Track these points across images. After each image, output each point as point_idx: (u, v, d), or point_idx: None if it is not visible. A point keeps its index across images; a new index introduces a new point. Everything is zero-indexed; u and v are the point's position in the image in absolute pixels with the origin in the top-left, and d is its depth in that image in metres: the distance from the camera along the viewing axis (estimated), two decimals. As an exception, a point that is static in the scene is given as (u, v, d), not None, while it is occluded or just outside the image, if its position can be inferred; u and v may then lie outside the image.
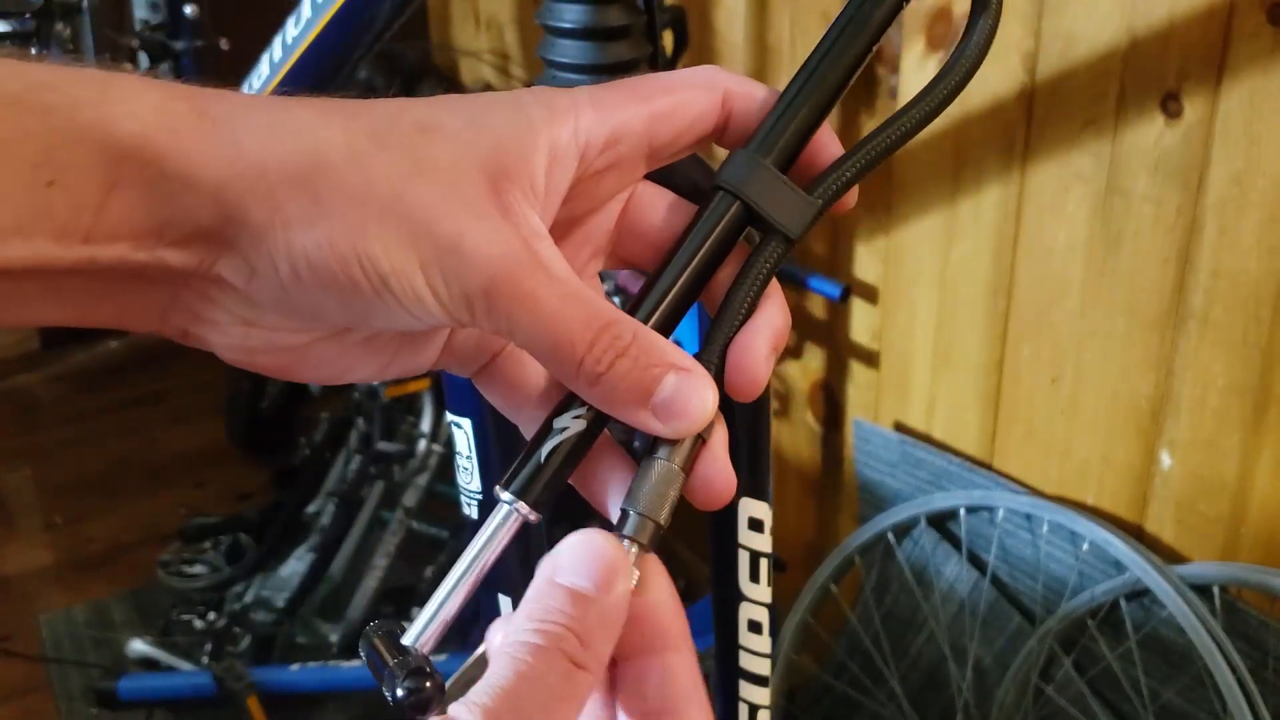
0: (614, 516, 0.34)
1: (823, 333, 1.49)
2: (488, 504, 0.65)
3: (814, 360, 1.52)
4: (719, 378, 0.35)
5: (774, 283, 0.36)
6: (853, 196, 0.37)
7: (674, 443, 0.33)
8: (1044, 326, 1.20)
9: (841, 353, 1.47)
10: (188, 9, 1.33)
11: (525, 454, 0.34)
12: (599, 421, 0.34)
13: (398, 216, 0.30)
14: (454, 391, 0.63)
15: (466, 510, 0.66)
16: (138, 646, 1.75)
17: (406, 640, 0.32)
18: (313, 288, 0.31)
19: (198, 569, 1.92)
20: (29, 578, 2.05)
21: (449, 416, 0.64)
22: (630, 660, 0.32)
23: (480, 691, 0.29)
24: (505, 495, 0.33)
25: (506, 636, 0.30)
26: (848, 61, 0.37)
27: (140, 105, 0.29)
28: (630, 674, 0.33)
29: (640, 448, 0.35)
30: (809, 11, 1.36)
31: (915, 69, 1.25)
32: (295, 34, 0.89)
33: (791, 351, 1.54)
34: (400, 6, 0.85)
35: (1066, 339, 1.18)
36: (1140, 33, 1.03)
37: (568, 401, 0.34)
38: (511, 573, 0.33)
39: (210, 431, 2.33)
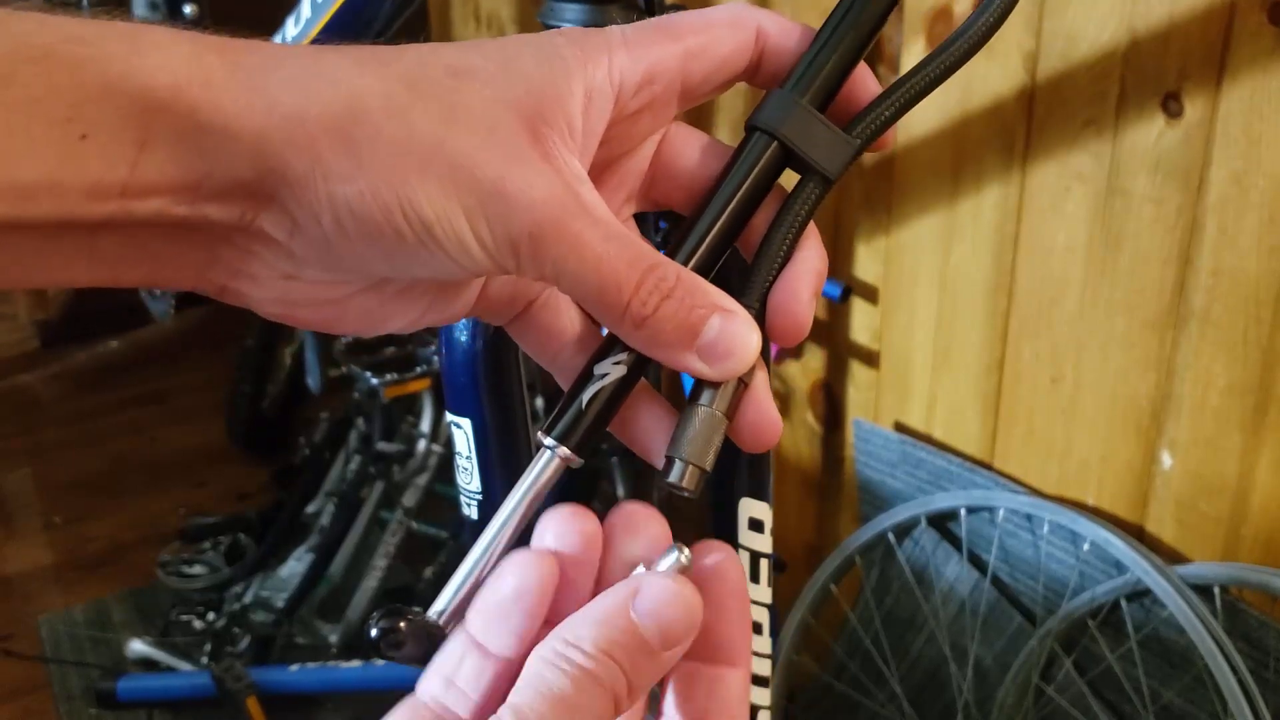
0: (658, 463, 0.34)
1: (823, 333, 1.49)
2: (488, 504, 0.64)
3: (814, 360, 1.52)
4: (760, 321, 0.34)
5: (812, 225, 0.36)
6: (891, 136, 0.36)
7: (716, 388, 0.33)
8: (1044, 326, 1.20)
9: (841, 353, 1.47)
10: (187, 8, 1.33)
11: (566, 400, 0.34)
12: (639, 367, 0.34)
13: (439, 164, 0.30)
14: (454, 391, 0.63)
15: (466, 510, 0.66)
16: (137, 647, 1.75)
17: (453, 583, 0.33)
18: (356, 239, 0.30)
19: (197, 569, 1.92)
20: (29, 578, 2.05)
21: (449, 416, 0.64)
22: (687, 664, 0.33)
23: (515, 700, 0.29)
24: (548, 440, 0.33)
25: (550, 642, 0.30)
26: None
27: (171, 57, 0.29)
28: (683, 675, 0.33)
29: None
30: (809, 11, 1.36)
31: (915, 69, 1.25)
32: (295, 33, 0.89)
33: (791, 351, 1.54)
34: (400, 6, 0.85)
35: (1066, 339, 1.18)
36: (1140, 32, 1.03)
37: (607, 347, 0.34)
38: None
39: (210, 431, 2.34)
